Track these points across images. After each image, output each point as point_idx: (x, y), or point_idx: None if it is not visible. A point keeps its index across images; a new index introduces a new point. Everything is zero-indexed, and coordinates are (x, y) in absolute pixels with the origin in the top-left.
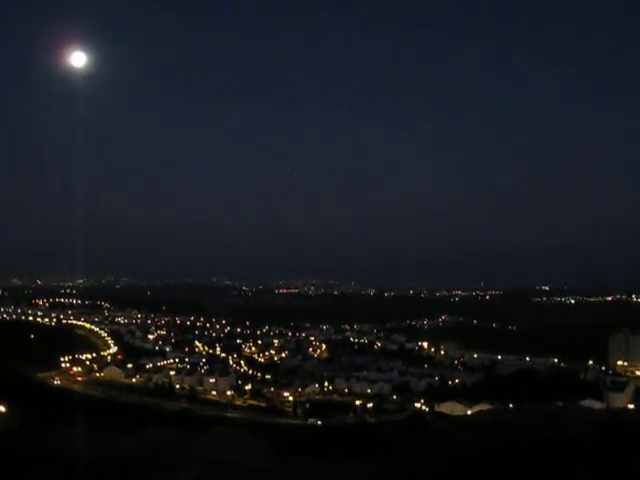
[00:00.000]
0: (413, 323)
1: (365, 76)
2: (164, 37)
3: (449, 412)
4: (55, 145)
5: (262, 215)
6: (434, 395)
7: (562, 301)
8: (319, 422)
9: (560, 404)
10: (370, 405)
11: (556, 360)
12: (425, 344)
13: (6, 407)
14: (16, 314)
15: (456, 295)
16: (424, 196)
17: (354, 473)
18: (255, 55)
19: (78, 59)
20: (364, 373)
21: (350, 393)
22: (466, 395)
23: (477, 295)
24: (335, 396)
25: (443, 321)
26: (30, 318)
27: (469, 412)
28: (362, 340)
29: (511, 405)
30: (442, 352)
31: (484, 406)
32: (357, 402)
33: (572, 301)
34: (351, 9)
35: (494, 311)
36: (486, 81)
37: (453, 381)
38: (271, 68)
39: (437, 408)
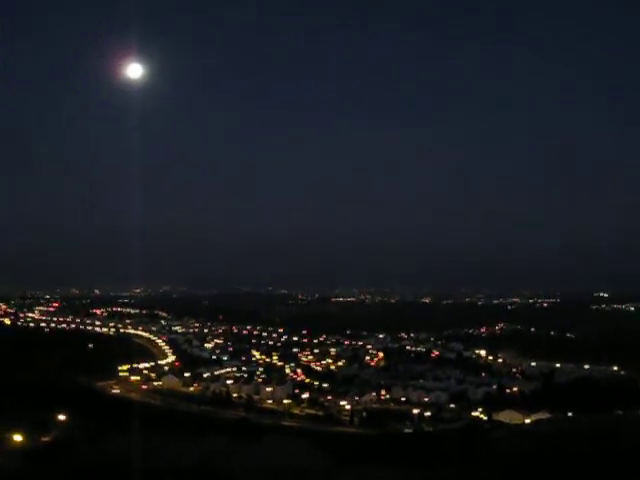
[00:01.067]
0: (470, 331)
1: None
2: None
3: (507, 421)
4: (113, 156)
5: (317, 223)
6: (492, 403)
7: (622, 308)
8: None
9: (619, 413)
10: (427, 414)
11: (615, 368)
12: (482, 352)
13: (66, 416)
14: (74, 323)
15: (513, 302)
16: (488, 198)
17: None
18: None
19: (134, 71)
20: (421, 381)
21: (407, 402)
22: (524, 403)
23: (535, 302)
24: (392, 405)
25: (500, 329)
26: (88, 327)
27: (527, 421)
28: (419, 348)
29: (570, 414)
30: (500, 360)
31: (542, 415)
32: (414, 411)
33: (632, 308)
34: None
35: (552, 318)
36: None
37: (511, 389)
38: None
39: (495, 417)
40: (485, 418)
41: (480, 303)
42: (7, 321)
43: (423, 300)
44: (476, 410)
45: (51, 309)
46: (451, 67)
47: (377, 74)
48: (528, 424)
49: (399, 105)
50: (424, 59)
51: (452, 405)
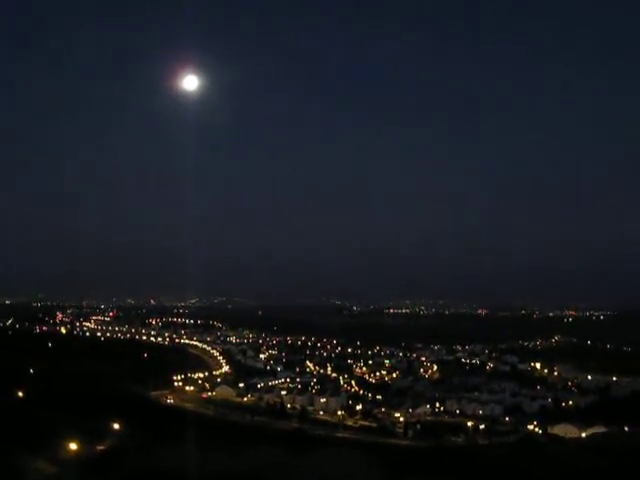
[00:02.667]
0: (525, 344)
1: None
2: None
3: (563, 434)
4: (168, 168)
5: (373, 236)
6: (547, 417)
7: None
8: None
9: None
10: (482, 427)
11: None
12: (538, 365)
13: (120, 425)
14: (130, 333)
15: (569, 315)
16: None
17: None
18: None
19: (190, 82)
20: (476, 394)
21: (461, 414)
22: (580, 417)
23: (591, 315)
24: (446, 417)
25: (556, 342)
26: (144, 337)
27: (583, 435)
28: (474, 361)
29: (626, 428)
30: (555, 373)
31: (598, 429)
32: (469, 423)
33: None
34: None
35: (608, 331)
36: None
37: (566, 403)
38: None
39: (550, 430)
40: (540, 432)
41: (536, 315)
42: (63, 330)
43: (478, 312)
44: (531, 423)
45: (107, 319)
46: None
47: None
48: (584, 438)
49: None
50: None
51: (507, 418)
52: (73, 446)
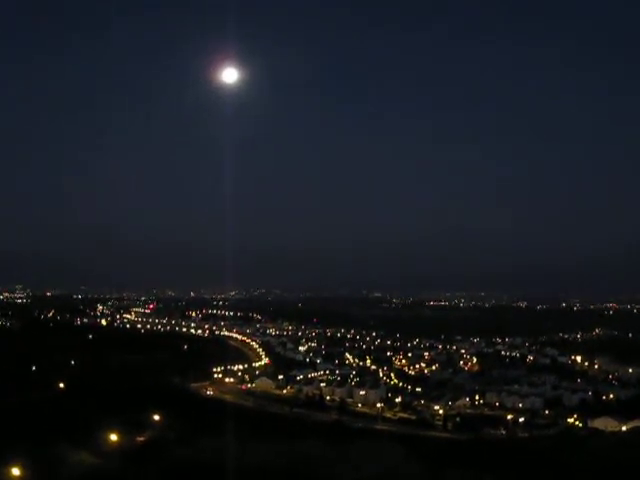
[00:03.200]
0: (566, 336)
1: None
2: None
3: (603, 428)
4: (209, 159)
5: (414, 228)
6: (587, 410)
7: None
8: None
9: None
10: (521, 419)
11: None
12: (578, 358)
13: (160, 416)
14: (170, 325)
15: (610, 308)
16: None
17: None
18: None
19: (230, 75)
20: (516, 387)
21: (501, 407)
22: (620, 410)
23: (632, 308)
24: (486, 410)
25: (597, 334)
26: (183, 329)
27: (624, 428)
28: (514, 353)
29: None
30: (596, 366)
31: (639, 422)
32: (508, 416)
33: None
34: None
35: None
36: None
37: (607, 396)
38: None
39: (590, 424)
40: (580, 425)
41: (576, 308)
42: (104, 322)
43: (518, 304)
44: (571, 416)
45: (147, 311)
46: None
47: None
48: (624, 432)
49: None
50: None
51: (547, 411)
52: (114, 437)
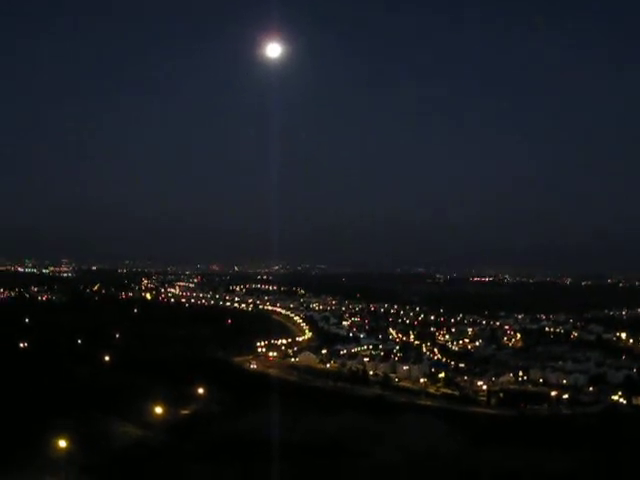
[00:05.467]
0: (611, 313)
1: None
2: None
3: None
4: (250, 138)
5: (457, 204)
6: (632, 387)
7: None
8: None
9: None
10: (565, 396)
11: None
12: (623, 335)
13: (205, 390)
14: (214, 300)
15: None
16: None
17: (548, 463)
18: None
19: (273, 50)
20: (560, 363)
21: (545, 383)
22: None
23: None
24: (529, 386)
25: None
26: (227, 304)
27: None
28: (558, 330)
29: None
30: None
31: None
32: (552, 393)
33: None
34: None
35: None
36: None
37: None
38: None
39: (635, 401)
40: (625, 402)
41: (622, 284)
42: (148, 296)
43: (562, 280)
44: (615, 394)
45: (191, 285)
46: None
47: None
48: None
49: None
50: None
51: (591, 388)
52: (159, 410)
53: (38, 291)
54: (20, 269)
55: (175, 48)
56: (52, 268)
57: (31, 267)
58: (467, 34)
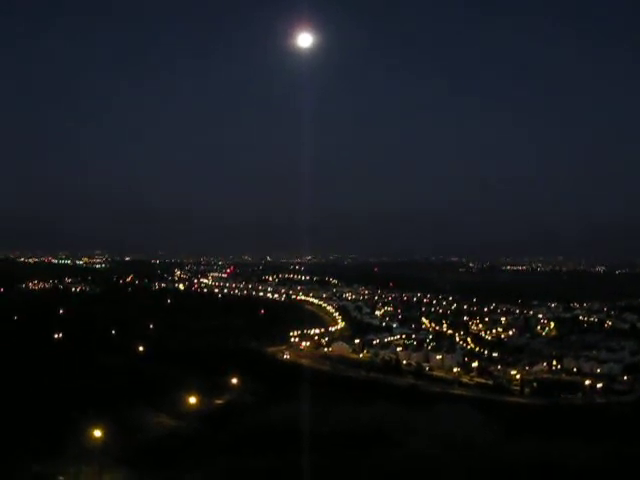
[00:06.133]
0: None
1: None
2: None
3: None
4: (285, 124)
5: (490, 193)
6: None
7: None
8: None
9: None
10: (599, 385)
11: None
12: None
13: (238, 380)
14: (247, 290)
15: None
16: None
17: (582, 453)
18: None
19: (304, 40)
20: (593, 352)
21: (579, 372)
22: None
23: None
24: (563, 375)
25: None
26: (260, 294)
27: None
28: (592, 318)
29: None
30: None
31: None
32: (586, 382)
33: None
34: None
35: None
36: None
37: None
38: None
39: None
40: None
41: None
42: (181, 287)
43: (596, 269)
44: None
45: (224, 275)
46: None
47: None
48: None
49: None
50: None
51: (625, 377)
52: (192, 400)
53: (72, 282)
54: (54, 260)
55: (206, 39)
56: (85, 259)
57: (64, 259)
58: (495, 30)
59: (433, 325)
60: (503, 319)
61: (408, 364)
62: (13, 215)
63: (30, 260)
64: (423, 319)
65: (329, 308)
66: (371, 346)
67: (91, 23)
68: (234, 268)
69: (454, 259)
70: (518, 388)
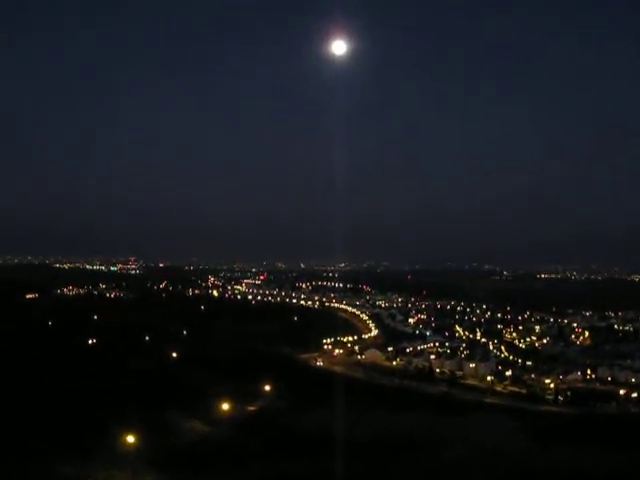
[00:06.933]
0: None
1: None
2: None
3: None
4: (318, 131)
5: (522, 199)
6: None
7: None
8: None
9: None
10: (634, 395)
11: None
12: None
13: (271, 386)
14: (280, 297)
15: None
16: None
17: (614, 462)
18: None
19: (339, 47)
20: (629, 361)
21: (613, 382)
22: None
23: None
24: (598, 384)
25: None
26: (294, 301)
27: None
28: (626, 327)
29: None
30: None
31: None
32: (621, 391)
33: None
34: None
35: None
36: None
37: None
38: None
39: None
40: None
41: None
42: (215, 293)
43: (632, 277)
44: None
45: (258, 282)
46: None
47: None
48: None
49: None
50: None
51: None
52: (225, 406)
53: (106, 288)
54: (88, 267)
55: (241, 45)
56: (120, 265)
57: (99, 265)
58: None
59: (467, 333)
60: (537, 327)
61: (441, 372)
62: (49, 221)
63: (65, 266)
64: (457, 327)
65: (362, 315)
66: (404, 354)
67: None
68: (267, 275)
69: (488, 267)
70: (552, 397)
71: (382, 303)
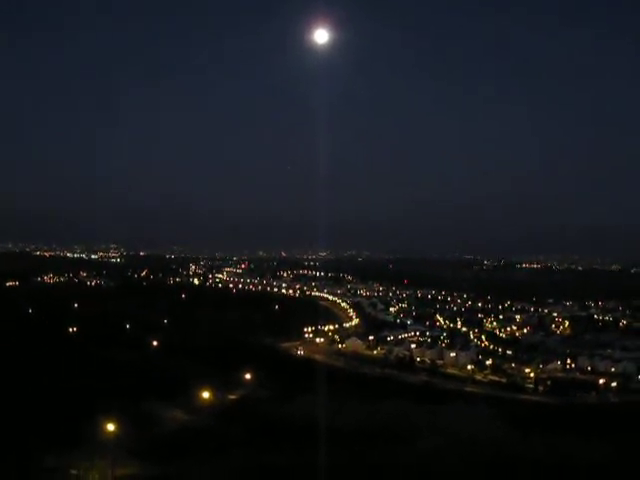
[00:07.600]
0: None
1: None
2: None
3: None
4: (300, 121)
5: (505, 188)
6: None
7: None
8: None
9: None
10: (614, 384)
11: None
12: None
13: (252, 375)
14: (261, 285)
15: None
16: None
17: (593, 451)
18: None
19: (321, 36)
20: (608, 351)
21: (593, 371)
22: None
23: None
24: (577, 374)
25: None
26: (275, 289)
27: None
28: (607, 317)
29: None
30: None
31: None
32: (600, 381)
33: None
34: None
35: None
36: None
37: None
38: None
39: None
40: None
41: None
42: (196, 281)
43: (612, 268)
44: None
45: (239, 270)
46: None
47: None
48: None
49: None
50: None
51: None
52: (206, 395)
53: (87, 276)
54: (69, 254)
55: (224, 36)
56: (101, 253)
57: (79, 252)
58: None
59: (447, 322)
60: (518, 317)
61: (422, 361)
62: (29, 210)
63: (45, 254)
64: (437, 316)
65: (343, 304)
66: (385, 343)
67: (106, 21)
68: (248, 263)
69: (469, 257)
70: (532, 386)
71: (363, 292)
